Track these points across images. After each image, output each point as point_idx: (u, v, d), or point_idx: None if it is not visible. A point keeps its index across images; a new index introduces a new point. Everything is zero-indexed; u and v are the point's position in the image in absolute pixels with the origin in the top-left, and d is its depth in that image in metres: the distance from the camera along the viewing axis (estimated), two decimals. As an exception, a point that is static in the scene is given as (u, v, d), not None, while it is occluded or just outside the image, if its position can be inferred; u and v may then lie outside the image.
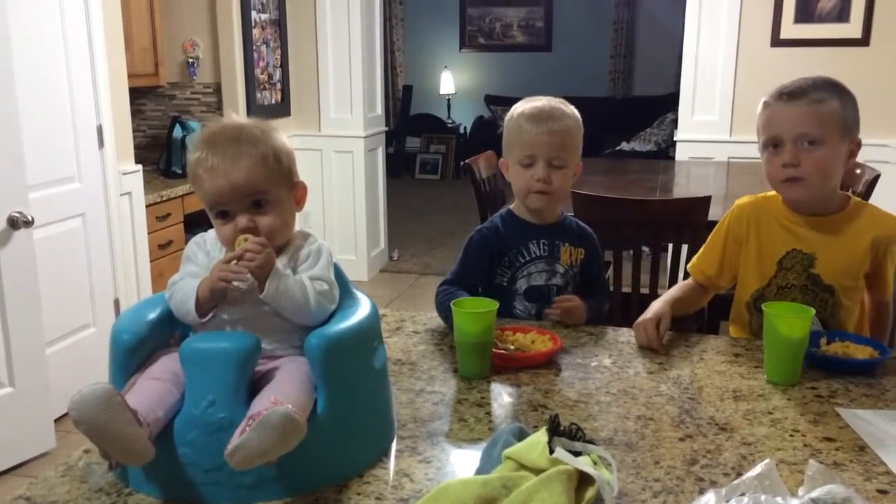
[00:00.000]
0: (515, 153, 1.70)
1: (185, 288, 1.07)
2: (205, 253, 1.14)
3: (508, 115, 1.73)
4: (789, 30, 4.22)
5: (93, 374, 1.86)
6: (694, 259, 1.79)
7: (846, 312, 1.64)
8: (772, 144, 1.58)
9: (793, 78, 1.59)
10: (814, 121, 1.52)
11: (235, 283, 1.04)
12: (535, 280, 1.72)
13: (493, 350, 1.39)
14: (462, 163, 3.89)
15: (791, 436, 1.16)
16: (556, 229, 1.75)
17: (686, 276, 1.83)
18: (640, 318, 1.56)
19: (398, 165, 8.99)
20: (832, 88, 1.55)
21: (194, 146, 1.11)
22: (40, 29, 2.88)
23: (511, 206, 1.80)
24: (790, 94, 1.54)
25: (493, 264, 1.72)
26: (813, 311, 1.35)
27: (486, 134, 8.86)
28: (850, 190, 2.59)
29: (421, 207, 7.58)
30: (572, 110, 1.71)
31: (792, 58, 4.17)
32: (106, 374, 1.05)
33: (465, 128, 9.71)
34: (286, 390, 0.97)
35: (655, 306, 1.62)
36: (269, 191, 1.09)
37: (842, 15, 4.16)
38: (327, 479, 1.01)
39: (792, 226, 1.63)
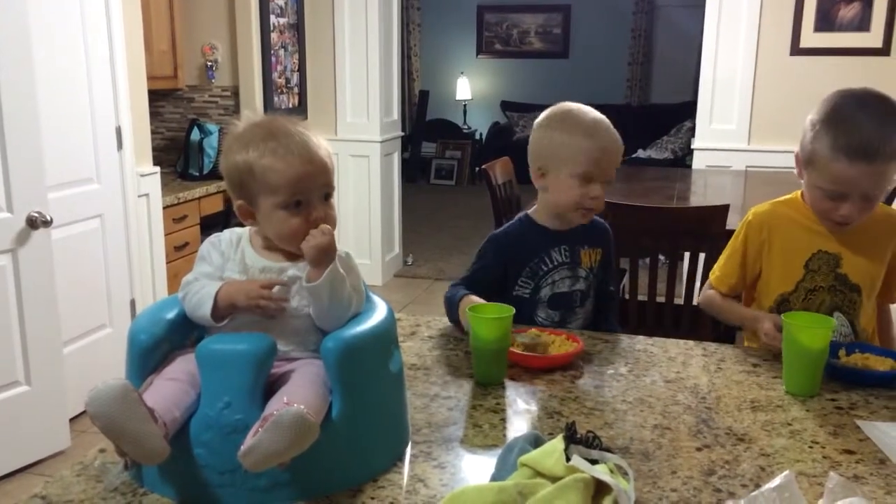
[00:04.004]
0: (570, 167, 1.63)
1: (202, 291, 1.06)
2: (219, 253, 1.13)
3: (552, 121, 1.66)
4: (809, 38, 4.19)
5: (108, 374, 1.86)
6: (716, 272, 1.76)
7: (865, 313, 1.63)
8: (832, 195, 1.53)
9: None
10: (881, 179, 1.49)
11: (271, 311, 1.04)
12: (559, 287, 1.70)
13: (513, 351, 1.40)
14: (477, 168, 3.89)
15: (810, 447, 1.14)
16: (575, 232, 1.72)
17: (703, 285, 1.81)
18: (762, 328, 1.52)
19: (413, 170, 9.01)
20: None
21: (248, 141, 1.07)
22: (61, 31, 2.91)
23: (529, 212, 1.75)
24: (866, 154, 1.45)
25: (512, 274, 1.69)
26: (834, 321, 1.34)
27: (502, 140, 8.87)
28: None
29: (436, 212, 7.58)
30: None
31: (812, 67, 4.13)
32: (121, 375, 1.05)
33: (480, 134, 9.72)
34: (300, 392, 0.97)
35: (757, 314, 1.62)
36: (332, 183, 1.10)
37: (862, 24, 4.13)
38: (342, 483, 1.01)
39: (816, 226, 1.61)
